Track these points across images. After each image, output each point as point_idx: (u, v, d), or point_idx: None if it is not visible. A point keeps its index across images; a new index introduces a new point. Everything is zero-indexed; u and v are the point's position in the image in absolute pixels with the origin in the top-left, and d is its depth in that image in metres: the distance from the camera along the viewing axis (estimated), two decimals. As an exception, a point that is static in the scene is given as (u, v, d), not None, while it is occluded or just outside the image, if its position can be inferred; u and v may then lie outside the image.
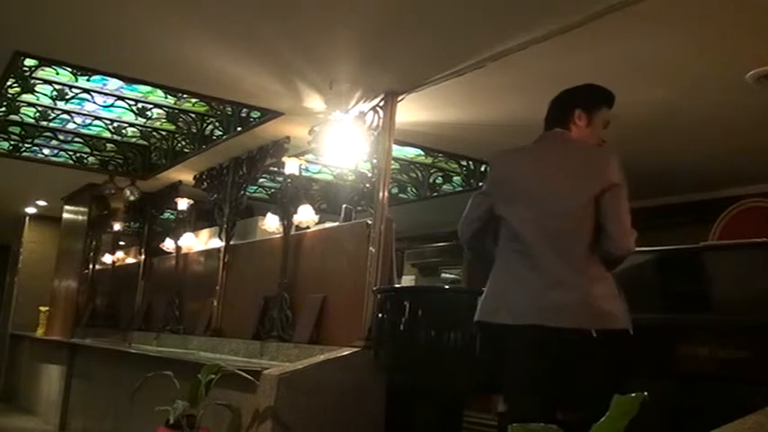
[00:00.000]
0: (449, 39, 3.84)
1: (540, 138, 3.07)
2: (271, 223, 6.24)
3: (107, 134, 6.99)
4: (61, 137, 7.12)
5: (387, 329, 3.95)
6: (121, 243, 9.55)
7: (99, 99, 5.97)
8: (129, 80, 5.31)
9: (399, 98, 4.57)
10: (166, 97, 5.84)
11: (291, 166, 5.79)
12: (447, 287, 7.25)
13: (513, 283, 2.88)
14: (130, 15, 3.90)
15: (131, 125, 6.74)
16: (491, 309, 2.91)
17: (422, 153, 6.27)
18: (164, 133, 6.93)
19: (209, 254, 7.05)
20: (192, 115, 6.27)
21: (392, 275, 4.48)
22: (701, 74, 4.01)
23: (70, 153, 7.53)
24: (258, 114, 5.45)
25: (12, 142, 7.16)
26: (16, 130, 7.00)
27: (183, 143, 6.83)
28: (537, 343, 2.78)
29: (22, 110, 6.48)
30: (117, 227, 8.82)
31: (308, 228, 5.69)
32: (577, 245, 2.80)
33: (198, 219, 7.92)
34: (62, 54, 4.71)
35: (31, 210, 10.83)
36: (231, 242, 6.39)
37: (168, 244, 7.73)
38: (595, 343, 2.71)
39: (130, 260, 9.15)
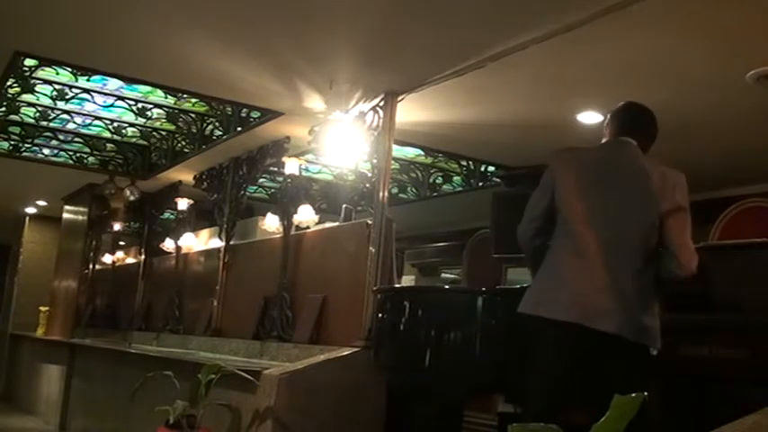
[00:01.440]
0: (449, 39, 3.84)
1: (609, 143, 3.08)
2: (271, 223, 6.24)
3: (107, 134, 7.00)
4: (61, 137, 7.13)
5: (387, 329, 3.94)
6: (121, 243, 9.55)
7: (99, 99, 5.97)
8: (129, 80, 5.31)
9: (399, 98, 4.57)
10: (166, 97, 5.84)
11: (291, 166, 5.79)
12: (447, 287, 7.25)
13: (560, 280, 2.89)
14: (130, 15, 3.90)
15: (131, 125, 6.75)
16: (533, 302, 2.93)
17: (422, 153, 6.27)
18: (164, 133, 6.93)
19: (209, 254, 7.05)
20: (192, 115, 6.27)
21: (392, 275, 4.48)
22: (701, 74, 4.01)
23: (70, 153, 7.53)
24: (258, 114, 5.45)
25: (12, 142, 7.17)
26: (16, 130, 7.01)
27: (183, 143, 6.83)
28: (575, 341, 2.80)
29: (22, 110, 6.49)
30: (117, 227, 8.82)
31: (308, 228, 5.69)
32: (635, 259, 2.82)
33: (198, 219, 7.91)
34: (62, 54, 4.71)
35: (31, 210, 10.83)
36: (231, 242, 6.39)
37: (168, 244, 7.73)
38: (632, 355, 2.76)
39: (130, 260, 9.15)
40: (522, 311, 2.94)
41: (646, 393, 1.57)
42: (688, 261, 2.81)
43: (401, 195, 7.33)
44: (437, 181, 6.82)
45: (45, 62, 5.00)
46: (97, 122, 6.67)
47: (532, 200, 3.08)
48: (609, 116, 3.14)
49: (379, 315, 4.01)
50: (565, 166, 3.04)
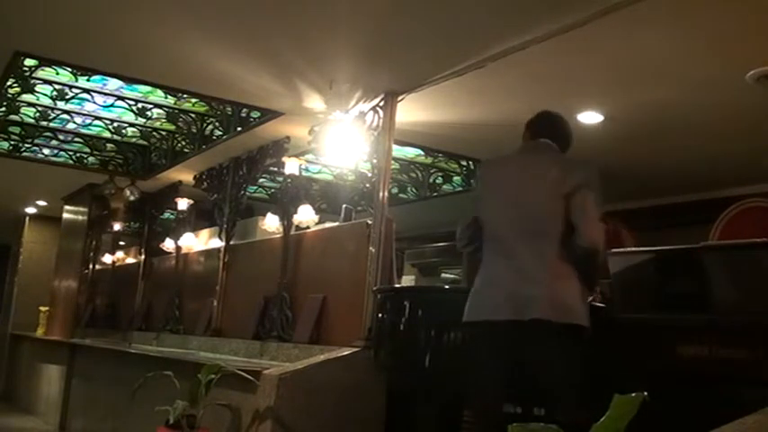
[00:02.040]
0: (449, 39, 3.84)
1: (523, 146, 3.32)
2: (271, 223, 6.24)
3: (107, 134, 6.99)
4: (61, 137, 7.12)
5: (387, 329, 3.94)
6: (121, 243, 9.55)
7: (99, 99, 5.96)
8: (129, 80, 5.31)
9: (399, 98, 4.57)
10: (166, 97, 5.84)
11: (291, 166, 5.79)
12: (447, 287, 7.25)
13: (491, 282, 3.10)
14: (130, 15, 3.90)
15: (131, 125, 6.74)
16: (473, 307, 3.12)
17: (422, 153, 6.27)
18: (164, 133, 6.93)
19: (209, 254, 7.05)
20: (192, 115, 6.27)
21: (392, 275, 4.48)
22: (701, 74, 4.01)
23: (70, 153, 7.53)
24: (258, 114, 5.45)
25: (12, 142, 7.16)
26: (16, 130, 7.00)
27: (183, 143, 6.83)
28: (512, 336, 2.98)
29: (22, 110, 6.48)
30: (117, 227, 8.82)
31: (308, 228, 5.70)
32: (548, 243, 3.00)
33: (198, 219, 7.92)
34: (62, 54, 4.71)
35: (31, 210, 10.83)
36: (231, 242, 6.39)
37: (168, 244, 7.73)
38: (558, 335, 2.91)
39: (130, 260, 9.15)
40: (466, 320, 3.13)
41: (645, 393, 1.56)
42: (588, 232, 2.96)
43: (401, 195, 7.32)
44: (437, 181, 6.81)
45: (45, 62, 4.99)
46: (97, 122, 6.66)
47: (468, 210, 3.34)
48: (527, 123, 3.37)
49: (379, 315, 4.01)
50: (484, 176, 3.38)
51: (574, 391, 2.92)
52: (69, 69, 5.20)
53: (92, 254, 9.01)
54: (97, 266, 9.13)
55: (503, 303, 3.00)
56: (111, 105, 6.09)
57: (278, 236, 5.81)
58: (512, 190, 3.16)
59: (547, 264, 2.98)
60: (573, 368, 2.95)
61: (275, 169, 6.62)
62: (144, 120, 6.45)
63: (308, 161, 6.45)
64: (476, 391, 3.16)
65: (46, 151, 7.44)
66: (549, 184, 3.05)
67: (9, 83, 5.54)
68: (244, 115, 5.66)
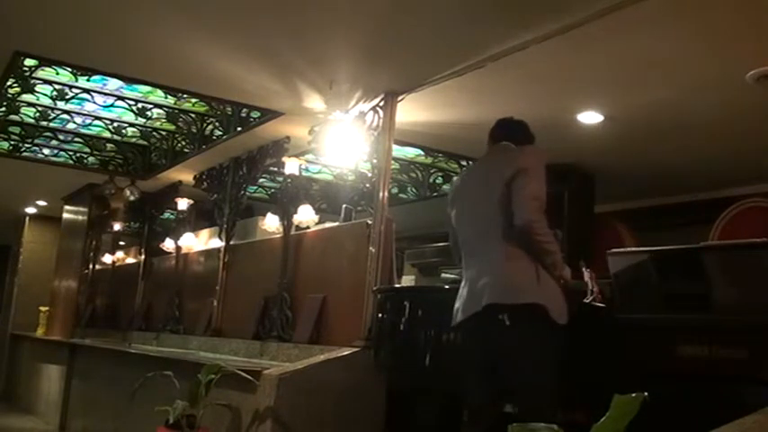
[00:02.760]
0: (449, 39, 3.84)
1: (485, 153, 3.41)
2: (271, 223, 6.23)
3: (107, 134, 6.99)
4: (61, 137, 7.12)
5: (387, 329, 3.94)
6: (121, 243, 9.55)
7: (99, 99, 5.96)
8: (129, 80, 5.31)
9: (399, 98, 4.58)
10: (166, 97, 5.84)
11: (291, 166, 5.79)
12: (447, 287, 7.24)
13: (465, 282, 3.18)
14: (130, 15, 3.90)
15: (131, 125, 6.74)
16: (455, 311, 3.19)
17: (422, 153, 6.27)
18: (164, 133, 6.93)
19: (209, 254, 7.05)
20: (192, 115, 6.26)
21: (392, 275, 4.49)
22: (701, 74, 4.01)
23: (70, 153, 7.53)
24: (258, 114, 5.45)
25: (12, 142, 7.16)
26: (16, 130, 7.00)
27: (183, 143, 6.83)
28: (474, 331, 3.06)
29: (22, 110, 6.48)
30: (117, 227, 8.82)
31: (308, 228, 5.69)
32: (496, 231, 3.05)
33: (198, 219, 7.92)
34: (62, 54, 4.71)
35: (31, 210, 10.83)
36: (231, 242, 6.40)
37: (168, 244, 7.73)
38: (512, 318, 2.90)
39: (130, 260, 9.15)
40: (453, 324, 3.20)
41: (645, 393, 1.56)
42: (519, 212, 2.97)
43: (401, 195, 7.32)
44: (437, 181, 6.81)
45: (45, 62, 4.99)
46: (97, 122, 6.66)
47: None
48: (489, 131, 3.46)
49: (379, 315, 4.01)
50: (453, 189, 3.48)
51: (539, 382, 2.86)
52: (69, 69, 5.20)
53: (92, 254, 9.01)
54: (97, 266, 9.13)
55: (468, 301, 3.07)
56: (111, 105, 6.09)
57: (278, 236, 5.81)
58: (470, 194, 3.29)
59: (495, 252, 3.03)
60: (532, 355, 2.88)
61: (275, 169, 6.62)
62: (144, 120, 6.45)
63: (308, 161, 6.45)
64: (466, 390, 3.19)
65: (46, 151, 7.44)
66: (497, 178, 3.10)
67: (9, 83, 5.54)
68: (244, 115, 5.66)
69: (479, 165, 3.51)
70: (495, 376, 3.02)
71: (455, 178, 3.66)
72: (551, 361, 2.89)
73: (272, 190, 8.09)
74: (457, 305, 3.19)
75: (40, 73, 5.40)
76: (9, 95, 5.98)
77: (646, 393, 1.56)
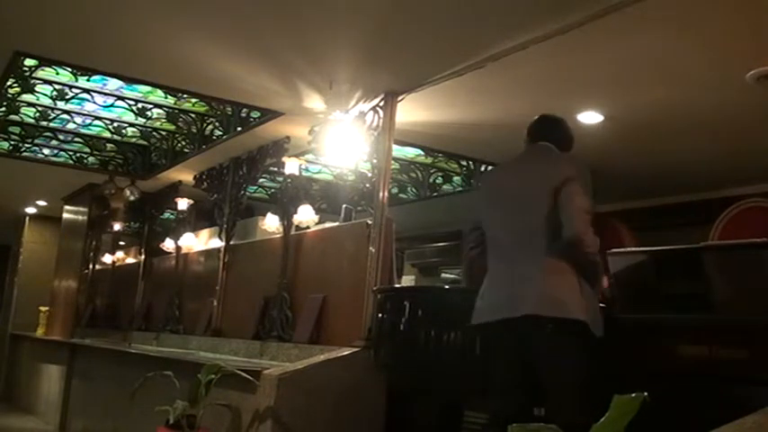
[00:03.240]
0: (449, 39, 3.84)
1: (524, 151, 3.37)
2: (271, 223, 6.24)
3: (107, 134, 6.99)
4: (61, 137, 7.12)
5: (387, 329, 3.94)
6: (121, 243, 9.55)
7: (99, 99, 5.97)
8: (129, 80, 5.31)
9: (399, 98, 4.57)
10: (166, 97, 5.84)
11: (291, 166, 5.79)
12: (447, 287, 7.25)
13: (492, 284, 3.16)
14: (130, 15, 3.90)
15: (131, 125, 6.74)
16: (477, 310, 3.18)
17: (422, 153, 6.27)
18: (164, 133, 6.93)
19: (209, 254, 7.05)
20: (192, 115, 6.26)
21: (392, 275, 4.48)
22: (701, 74, 4.01)
23: (70, 153, 7.53)
24: (258, 114, 5.45)
25: (12, 142, 7.16)
26: (16, 130, 7.00)
27: (183, 143, 6.83)
28: (508, 336, 3.05)
29: (22, 110, 6.48)
30: (117, 227, 8.81)
31: (308, 228, 5.69)
32: (539, 239, 3.03)
33: (198, 219, 7.91)
34: (62, 54, 4.71)
35: (31, 210, 10.83)
36: (231, 242, 6.39)
37: (168, 244, 7.73)
38: (551, 331, 2.92)
39: (130, 260, 9.15)
40: (472, 323, 3.20)
41: (645, 394, 1.56)
42: (570, 223, 2.97)
43: (401, 195, 7.32)
44: (437, 181, 6.81)
45: (45, 62, 4.99)
46: (97, 122, 6.66)
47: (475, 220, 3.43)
48: (527, 127, 3.40)
49: (379, 315, 4.01)
50: (486, 183, 3.46)
51: (574, 393, 2.91)
52: (69, 69, 5.21)
53: (92, 254, 9.00)
54: (97, 266, 9.13)
55: (500, 305, 3.05)
56: (111, 105, 6.09)
57: (278, 236, 5.81)
58: (508, 196, 3.22)
59: (539, 261, 3.01)
60: (571, 367, 2.93)
61: (275, 169, 6.62)
62: (144, 120, 6.45)
63: (308, 161, 6.44)
64: (490, 392, 3.20)
65: (46, 151, 7.44)
66: (541, 185, 3.08)
67: (9, 83, 5.54)
68: (244, 115, 5.66)
69: (518, 165, 3.37)
70: (525, 380, 3.04)
71: (489, 173, 3.61)
72: (586, 372, 2.95)
73: (272, 190, 8.09)
74: (479, 304, 3.17)
75: (40, 73, 5.40)
76: (9, 95, 5.98)
77: (646, 393, 1.56)
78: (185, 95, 5.65)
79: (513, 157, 3.45)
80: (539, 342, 2.97)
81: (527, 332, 2.98)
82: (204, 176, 6.97)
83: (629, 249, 3.99)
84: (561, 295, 2.95)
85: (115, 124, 6.70)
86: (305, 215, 5.74)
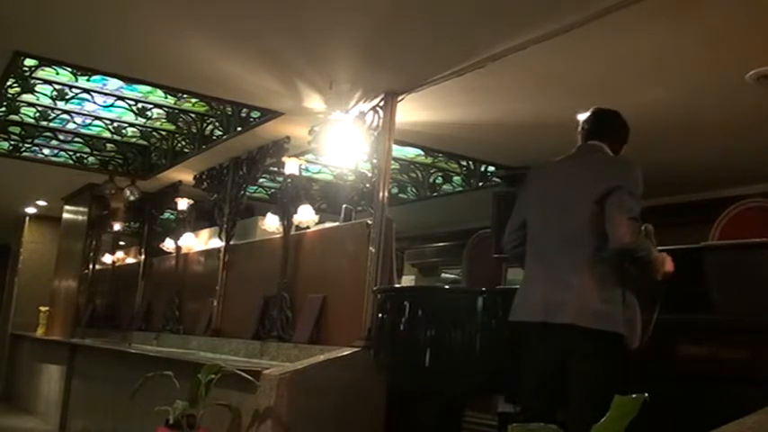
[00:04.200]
0: (449, 39, 3.84)
1: (577, 149, 3.26)
2: (271, 223, 6.24)
3: (107, 134, 7.00)
4: (61, 137, 7.13)
5: (387, 329, 3.94)
6: (121, 243, 9.56)
7: (99, 99, 5.97)
8: (129, 80, 5.31)
9: (399, 98, 4.57)
10: (166, 97, 5.84)
11: (291, 166, 5.79)
12: (447, 287, 7.25)
13: (528, 284, 3.13)
14: (130, 15, 3.90)
15: (131, 125, 6.75)
16: (515, 307, 3.15)
17: (422, 153, 6.27)
18: (164, 133, 6.93)
19: (209, 254, 7.05)
20: (192, 115, 6.27)
21: (392, 275, 4.48)
22: (701, 74, 4.01)
23: (70, 153, 7.53)
24: (258, 114, 5.45)
25: (12, 142, 7.17)
26: (16, 130, 7.00)
27: (183, 143, 6.83)
28: (544, 339, 2.99)
29: (22, 110, 6.48)
30: (117, 227, 8.82)
31: (308, 228, 5.69)
32: (582, 247, 2.96)
33: (198, 219, 7.91)
34: (62, 54, 4.71)
35: (31, 210, 10.83)
36: (231, 242, 6.39)
37: (168, 244, 7.73)
38: (589, 341, 2.86)
39: (130, 260, 9.15)
40: (509, 320, 3.17)
41: (646, 394, 1.56)
42: (616, 231, 2.88)
43: (401, 195, 7.33)
44: (437, 181, 6.82)
45: (45, 62, 5.00)
46: (97, 122, 6.67)
47: (512, 214, 3.35)
48: (581, 122, 3.28)
49: (379, 315, 4.01)
50: (531, 181, 3.33)
51: (596, 403, 2.86)
52: (69, 69, 5.21)
53: (92, 254, 9.01)
54: (97, 266, 9.13)
55: (537, 307, 3.01)
56: (111, 105, 6.10)
57: (278, 236, 5.81)
58: (552, 198, 3.14)
59: (581, 271, 2.93)
60: (603, 379, 2.85)
61: (275, 169, 6.62)
62: (144, 120, 6.45)
63: (308, 161, 6.45)
64: (518, 388, 3.17)
65: (46, 151, 7.45)
66: (585, 191, 3.01)
67: (9, 83, 5.54)
68: (244, 115, 5.66)
69: (568, 166, 3.22)
70: (554, 383, 2.99)
71: (536, 170, 3.39)
72: (614, 387, 2.90)
73: (272, 190, 8.09)
74: (517, 301, 3.14)
75: (40, 73, 5.40)
76: (9, 95, 5.99)
77: (646, 394, 1.56)
78: (185, 95, 5.66)
79: (565, 154, 3.30)
80: (573, 351, 2.92)
81: (563, 339, 2.92)
82: (204, 176, 6.97)
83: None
84: (600, 307, 2.88)
85: (115, 124, 6.71)
86: (305, 215, 5.74)
